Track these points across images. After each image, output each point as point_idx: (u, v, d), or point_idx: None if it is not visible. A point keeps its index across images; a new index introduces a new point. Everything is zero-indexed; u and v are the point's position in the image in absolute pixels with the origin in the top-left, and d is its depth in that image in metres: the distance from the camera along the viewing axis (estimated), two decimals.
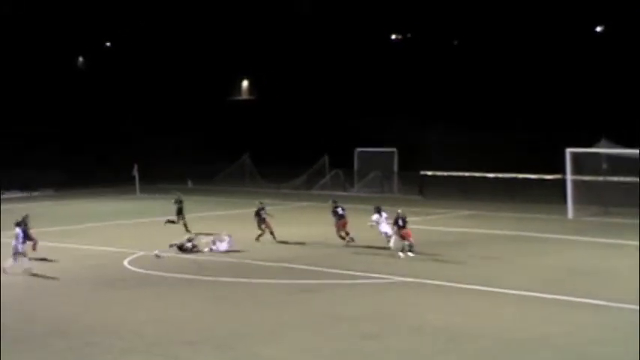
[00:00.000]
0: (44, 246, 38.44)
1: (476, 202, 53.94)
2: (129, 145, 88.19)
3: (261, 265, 36.43)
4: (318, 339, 24.38)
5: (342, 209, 41.54)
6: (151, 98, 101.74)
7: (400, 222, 38.30)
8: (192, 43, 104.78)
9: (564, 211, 50.11)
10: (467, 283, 31.28)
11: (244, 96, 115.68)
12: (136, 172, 70.88)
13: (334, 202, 42.73)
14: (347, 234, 40.88)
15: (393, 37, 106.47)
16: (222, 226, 45.51)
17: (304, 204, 60.66)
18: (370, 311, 27.48)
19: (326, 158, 72.19)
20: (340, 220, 41.20)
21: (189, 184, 76.29)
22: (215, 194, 67.71)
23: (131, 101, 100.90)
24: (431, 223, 47.08)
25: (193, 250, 38.86)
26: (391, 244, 38.38)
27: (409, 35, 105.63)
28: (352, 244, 40.30)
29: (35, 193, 70.34)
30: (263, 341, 24.29)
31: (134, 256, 38.15)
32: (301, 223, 48.76)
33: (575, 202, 50.27)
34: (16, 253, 34.95)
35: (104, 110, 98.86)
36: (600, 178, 51.84)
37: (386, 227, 38.98)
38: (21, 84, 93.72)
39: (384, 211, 39.48)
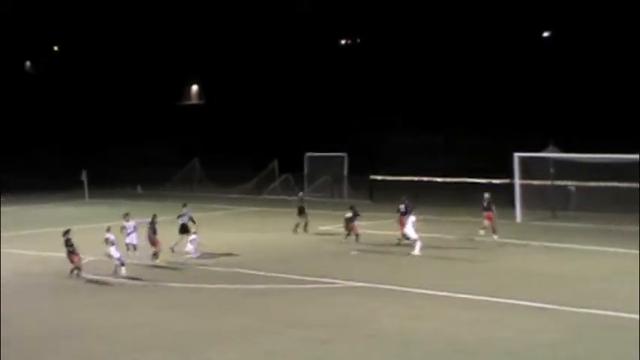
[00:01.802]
0: None
1: (426, 207, 54.04)
2: (77, 149, 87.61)
3: (213, 270, 36.32)
4: (270, 344, 24.33)
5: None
6: (101, 103, 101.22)
7: (485, 203, 42.91)
8: (142, 49, 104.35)
9: (513, 215, 50.47)
10: (418, 288, 31.40)
11: (194, 101, 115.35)
12: (84, 178, 70.45)
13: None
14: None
15: (343, 42, 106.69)
16: (170, 230, 45.36)
17: (254, 209, 60.60)
18: (322, 316, 27.49)
19: (276, 162, 72.20)
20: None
21: (139, 189, 76.02)
22: (165, 199, 67.32)
23: (81, 106, 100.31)
24: (381, 228, 47.17)
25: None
26: (416, 250, 38.34)
27: (358, 40, 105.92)
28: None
29: None
30: (216, 347, 24.21)
31: (83, 261, 37.77)
32: (252, 227, 48.66)
33: (524, 206, 50.69)
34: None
35: (52, 115, 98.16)
36: (548, 183, 52.33)
37: (410, 230, 38.63)
38: None
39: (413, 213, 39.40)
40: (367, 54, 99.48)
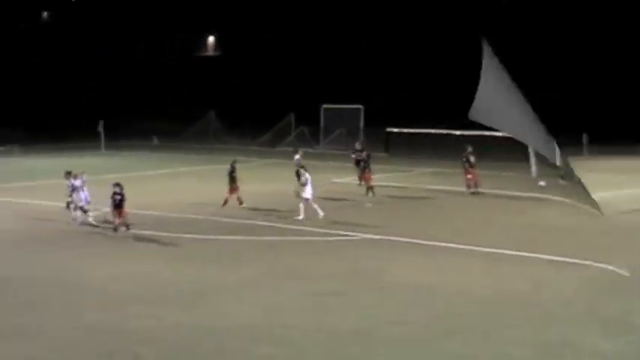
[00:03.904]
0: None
1: (442, 160, 53.73)
2: (94, 101, 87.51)
3: (223, 221, 36.04)
4: (282, 296, 24.07)
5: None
6: (118, 55, 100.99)
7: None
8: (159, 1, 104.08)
9: (528, 170, 50.02)
10: (435, 241, 31.11)
11: (210, 52, 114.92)
12: (101, 128, 70.47)
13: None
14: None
15: None
16: (187, 181, 45.26)
17: (269, 161, 60.39)
18: (335, 268, 27.20)
19: (292, 115, 71.91)
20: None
21: (155, 140, 76.00)
22: (180, 151, 67.29)
23: (97, 57, 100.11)
24: (397, 180, 46.90)
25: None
26: (320, 213, 35.99)
27: None
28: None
29: None
30: (227, 299, 23.91)
31: (97, 212, 37.53)
32: (265, 180, 48.42)
33: (538, 160, 50.07)
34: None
35: (69, 65, 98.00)
36: None
37: (309, 192, 36.47)
38: None
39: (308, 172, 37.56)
40: (383, 6, 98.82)
